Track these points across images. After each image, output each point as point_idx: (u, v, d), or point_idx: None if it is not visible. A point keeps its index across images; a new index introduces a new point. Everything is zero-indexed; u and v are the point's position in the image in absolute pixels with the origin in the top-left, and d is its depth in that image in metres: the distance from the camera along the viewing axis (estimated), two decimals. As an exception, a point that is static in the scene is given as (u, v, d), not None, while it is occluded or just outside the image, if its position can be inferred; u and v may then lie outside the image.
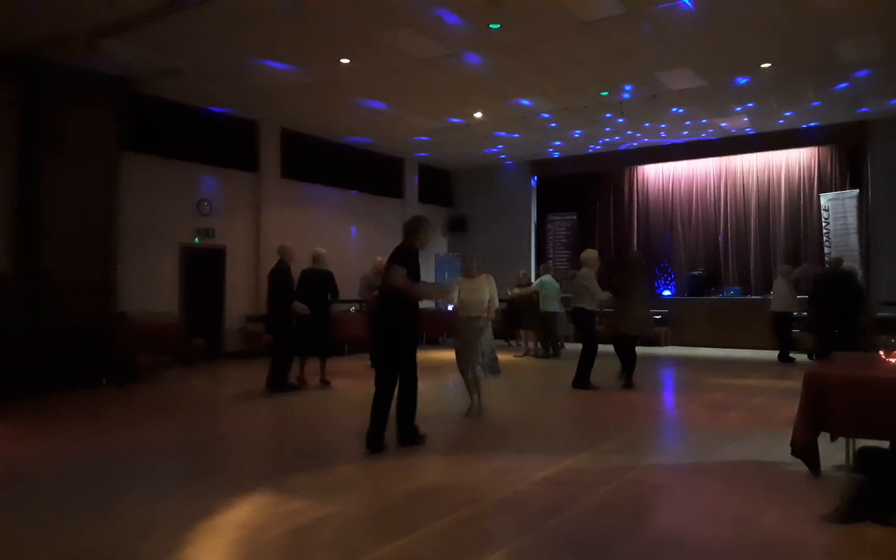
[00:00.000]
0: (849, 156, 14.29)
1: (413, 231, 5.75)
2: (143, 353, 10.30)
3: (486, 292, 6.77)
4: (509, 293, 13.17)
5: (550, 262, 15.64)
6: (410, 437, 5.65)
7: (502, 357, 7.66)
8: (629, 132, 14.32)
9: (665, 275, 16.10)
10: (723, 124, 13.70)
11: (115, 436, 6.38)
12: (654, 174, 16.81)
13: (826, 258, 13.03)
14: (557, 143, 15.30)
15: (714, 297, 14.96)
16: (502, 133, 14.34)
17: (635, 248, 15.10)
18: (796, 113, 12.88)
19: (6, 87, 9.32)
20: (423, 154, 16.66)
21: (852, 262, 13.21)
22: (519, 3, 7.92)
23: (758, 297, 14.18)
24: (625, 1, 7.93)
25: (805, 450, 4.31)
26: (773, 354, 12.20)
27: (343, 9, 8.04)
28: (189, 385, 9.81)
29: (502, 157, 16.81)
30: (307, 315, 8.76)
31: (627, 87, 11.24)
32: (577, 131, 14.19)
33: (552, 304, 12.52)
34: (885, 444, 4.23)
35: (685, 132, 14.40)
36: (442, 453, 5.59)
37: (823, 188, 14.49)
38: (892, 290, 12.92)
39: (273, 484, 4.64)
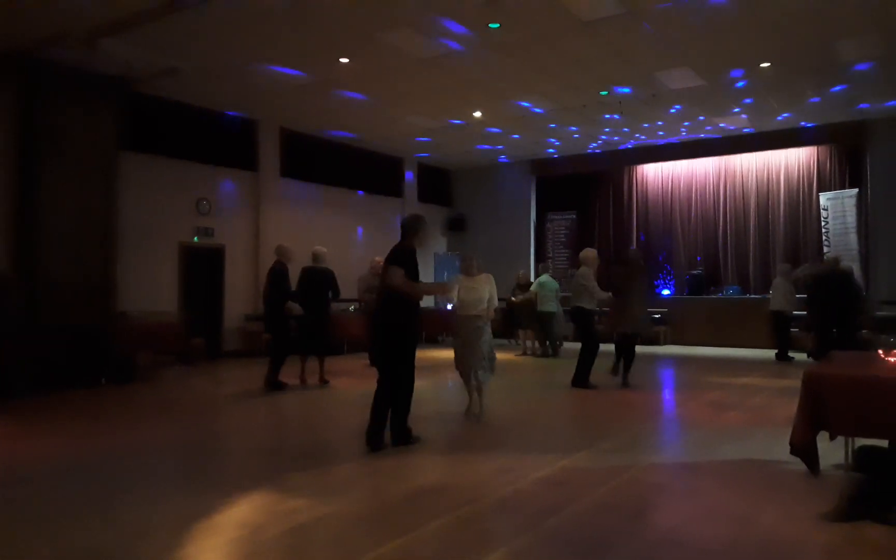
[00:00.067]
0: (848, 155, 14.30)
1: (413, 231, 5.75)
2: (143, 352, 10.29)
3: (486, 291, 6.73)
4: (513, 299, 13.18)
5: (549, 261, 15.66)
6: (403, 437, 5.64)
7: (502, 356, 7.66)
8: (628, 132, 14.32)
9: (665, 274, 16.09)
10: (722, 124, 13.70)
11: (115, 435, 6.38)
12: (654, 173, 16.82)
13: (824, 257, 13.02)
14: (557, 142, 15.30)
15: (713, 297, 14.97)
16: (502, 132, 14.34)
17: (634, 247, 15.08)
18: (796, 112, 12.88)
19: (5, 87, 9.31)
20: (422, 154, 16.66)
21: (851, 261, 13.21)
22: (518, 2, 7.92)
23: (757, 296, 14.19)
24: (624, 1, 7.93)
25: (804, 449, 4.32)
26: (773, 353, 12.20)
27: (343, 8, 8.04)
28: (188, 384, 9.81)
29: (502, 156, 16.81)
30: (309, 314, 8.78)
31: (626, 90, 11.24)
32: (577, 131, 14.19)
33: (549, 305, 12.54)
34: (884, 443, 4.23)
35: (684, 132, 14.40)
36: (441, 453, 5.60)
37: (823, 187, 14.50)
38: (892, 290, 12.93)
39: (272, 483, 4.64)
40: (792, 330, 12.11)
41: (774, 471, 4.94)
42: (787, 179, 15.12)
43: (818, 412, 4.20)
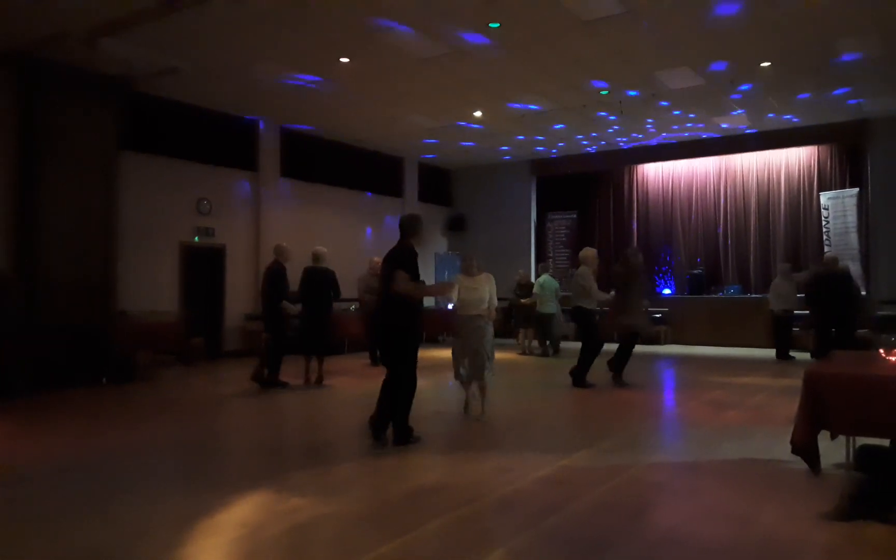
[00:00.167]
0: (848, 154, 14.30)
1: (412, 231, 5.78)
2: (143, 351, 10.29)
3: (486, 291, 6.71)
4: (522, 302, 13.17)
5: (550, 261, 15.66)
6: (404, 437, 5.65)
7: (502, 356, 7.66)
8: (629, 131, 14.31)
9: (665, 275, 16.08)
10: (722, 123, 13.69)
11: (115, 435, 6.38)
12: (654, 173, 16.81)
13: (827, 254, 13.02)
14: (557, 141, 15.29)
15: (714, 296, 14.97)
16: (502, 132, 14.33)
17: (634, 246, 15.07)
18: (796, 112, 12.87)
19: (5, 87, 9.32)
20: (422, 153, 16.66)
21: (852, 260, 13.22)
22: (518, 2, 7.91)
23: (757, 296, 14.18)
24: (624, 0, 7.92)
25: (805, 448, 4.31)
26: (773, 353, 12.20)
27: (343, 8, 8.03)
28: (188, 384, 9.81)
29: (502, 155, 16.80)
30: (310, 314, 8.80)
31: (633, 93, 11.25)
32: (577, 130, 14.18)
33: (549, 305, 12.56)
34: (885, 443, 4.22)
35: (685, 131, 14.39)
36: (441, 452, 5.59)
37: (823, 187, 14.49)
38: (892, 289, 12.92)
39: (272, 482, 4.64)
40: (794, 329, 12.12)
41: (775, 470, 4.93)
42: (788, 179, 15.12)
43: (819, 411, 4.19)
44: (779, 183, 15.21)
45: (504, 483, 4.57)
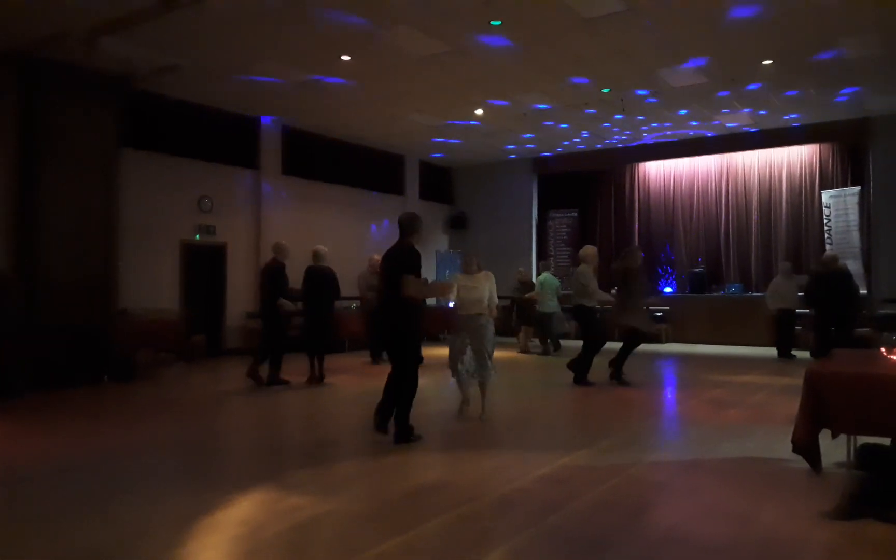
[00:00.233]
0: (850, 152, 14.29)
1: (412, 229, 5.81)
2: (144, 350, 10.30)
3: (486, 290, 6.64)
4: (526, 296, 13.15)
5: (551, 259, 15.65)
6: (405, 435, 5.65)
7: (502, 354, 7.65)
8: (630, 129, 14.30)
9: (666, 273, 16.07)
10: (724, 121, 13.67)
11: (115, 434, 6.38)
12: (656, 171, 16.80)
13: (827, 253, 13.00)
14: (558, 139, 15.28)
15: (715, 294, 14.96)
16: (503, 130, 14.32)
17: (636, 244, 15.06)
18: (797, 110, 12.85)
19: (6, 86, 9.30)
20: (423, 151, 16.64)
21: (854, 259, 13.21)
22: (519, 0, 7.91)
23: (759, 295, 14.16)
24: (625, -3, 7.92)
25: (806, 447, 4.31)
26: (774, 351, 12.20)
27: (344, 6, 8.03)
28: (189, 382, 9.81)
29: (503, 153, 16.79)
30: (313, 312, 8.81)
31: (638, 93, 11.23)
32: (578, 128, 14.16)
33: (549, 304, 12.55)
34: (886, 441, 4.22)
35: (686, 129, 14.37)
36: (442, 450, 5.59)
37: (825, 185, 14.48)
38: (893, 287, 12.90)
39: (273, 481, 4.64)
40: (796, 328, 12.12)
41: (776, 469, 4.93)
42: (790, 177, 15.10)
43: (820, 410, 4.19)
44: (780, 181, 15.20)
45: (504, 482, 4.57)
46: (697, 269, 15.45)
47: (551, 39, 9.15)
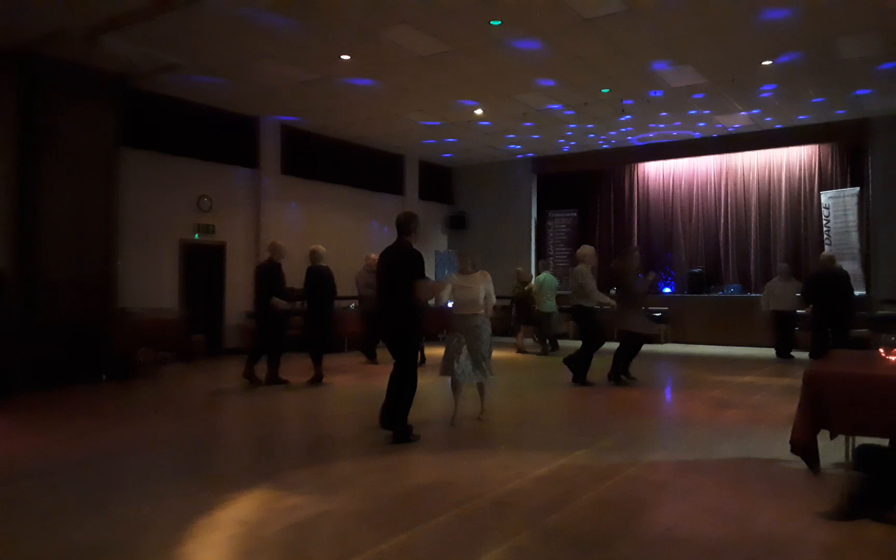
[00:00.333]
0: (849, 153, 14.28)
1: (409, 228, 5.85)
2: (143, 349, 10.28)
3: (481, 290, 6.49)
4: (526, 288, 13.14)
5: (550, 259, 15.65)
6: (403, 435, 5.66)
7: (500, 354, 7.63)
8: (630, 129, 14.29)
9: (665, 273, 16.07)
10: (723, 122, 13.67)
11: (115, 432, 6.39)
12: (655, 171, 16.80)
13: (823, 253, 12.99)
14: (558, 139, 15.27)
15: (714, 295, 14.96)
16: (502, 130, 14.32)
17: (634, 245, 15.08)
18: (797, 110, 12.85)
19: (5, 84, 9.30)
20: (423, 151, 16.64)
21: (852, 259, 13.21)
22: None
23: (758, 295, 14.15)
24: (625, -2, 7.92)
25: (804, 447, 4.31)
26: (773, 352, 12.21)
27: (344, 5, 8.02)
28: (188, 381, 9.81)
29: (503, 153, 16.78)
30: (316, 312, 8.82)
31: (637, 93, 11.23)
32: (578, 128, 14.16)
33: (549, 304, 12.56)
34: (885, 442, 4.22)
35: (686, 129, 14.37)
36: (441, 450, 5.59)
37: (824, 186, 14.47)
38: (893, 288, 12.91)
39: (272, 480, 4.65)
40: (796, 328, 12.14)
41: (775, 469, 4.94)
42: (789, 178, 15.10)
43: (819, 411, 4.19)
44: (779, 182, 15.19)
45: (503, 481, 4.57)
46: (696, 269, 15.45)
47: (551, 38, 9.15)
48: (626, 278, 8.96)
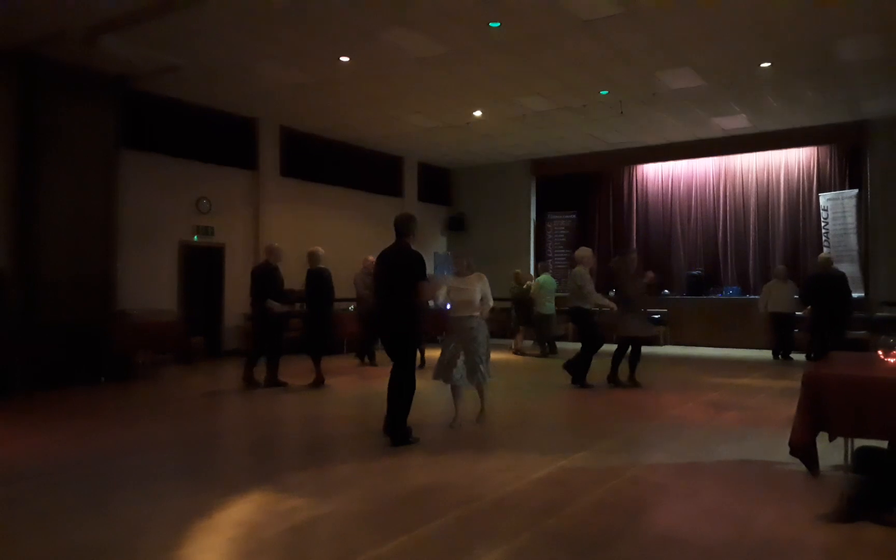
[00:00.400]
0: (848, 155, 14.30)
1: (407, 230, 5.84)
2: (142, 351, 10.28)
3: (477, 291, 6.41)
4: (525, 287, 13.15)
5: (549, 261, 15.65)
6: (402, 437, 5.66)
7: (497, 356, 7.61)
8: (629, 131, 14.30)
9: (663, 275, 16.05)
10: (722, 124, 13.69)
11: (114, 434, 6.38)
12: (654, 173, 16.81)
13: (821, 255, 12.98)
14: (557, 141, 15.28)
15: (713, 297, 14.97)
16: (501, 132, 14.32)
17: (634, 248, 15.08)
18: (795, 112, 12.87)
19: (5, 85, 9.31)
20: (422, 153, 16.65)
21: (850, 261, 13.23)
22: (518, 1, 7.91)
23: (756, 297, 14.17)
24: (623, 0, 7.92)
25: (803, 449, 4.31)
26: (771, 354, 12.23)
27: (344, 7, 8.03)
28: (187, 383, 9.80)
29: (502, 155, 16.79)
30: (316, 315, 8.81)
31: (637, 95, 11.24)
32: (577, 130, 14.17)
33: (548, 306, 12.55)
34: (884, 444, 4.22)
35: (685, 131, 14.38)
36: (439, 452, 5.58)
37: (822, 188, 14.49)
38: (891, 290, 12.92)
39: (271, 482, 4.64)
40: (795, 330, 12.16)
41: (774, 471, 4.94)
42: (787, 180, 15.12)
43: (818, 413, 4.19)
44: (778, 184, 15.21)
45: (503, 484, 4.57)
46: (695, 271, 15.46)
47: (550, 41, 9.16)
48: (623, 281, 8.96)
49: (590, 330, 8.77)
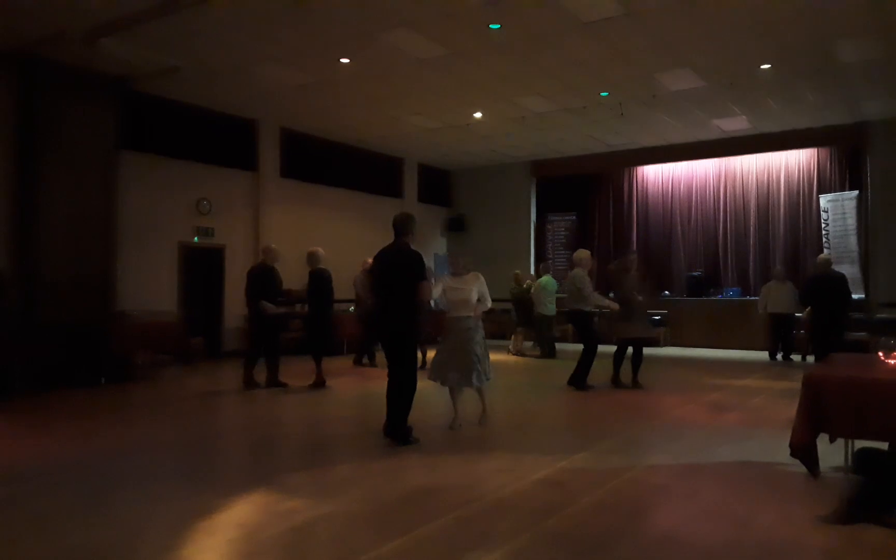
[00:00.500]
0: (848, 157, 14.31)
1: (406, 229, 5.84)
2: (142, 351, 10.28)
3: (474, 291, 6.35)
4: (524, 285, 13.15)
5: (549, 262, 15.65)
6: (403, 438, 5.65)
7: (496, 357, 7.59)
8: (629, 132, 14.31)
9: (664, 276, 16.05)
10: (722, 125, 13.69)
11: (113, 434, 6.38)
12: (654, 175, 16.81)
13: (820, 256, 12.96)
14: (557, 143, 15.29)
15: (713, 298, 14.97)
16: (502, 133, 14.33)
17: (634, 250, 15.07)
18: (796, 114, 12.87)
19: (5, 85, 9.31)
20: (422, 154, 16.65)
21: (851, 263, 13.22)
22: (519, 3, 7.92)
23: (757, 298, 14.17)
24: (624, 1, 7.93)
25: (804, 450, 4.31)
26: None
27: (344, 8, 8.03)
28: (187, 384, 9.79)
29: (502, 156, 16.79)
30: (317, 315, 8.81)
31: (637, 97, 11.25)
32: (577, 131, 14.17)
33: (549, 307, 12.55)
34: (884, 446, 4.22)
35: (685, 133, 14.38)
36: (440, 453, 5.58)
37: (823, 189, 14.49)
38: (891, 292, 12.92)
39: (270, 483, 4.64)
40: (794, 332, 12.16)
41: (774, 472, 4.93)
42: (788, 181, 15.12)
43: (818, 414, 4.19)
44: (778, 185, 15.21)
45: (503, 484, 4.57)
46: (696, 273, 15.46)
47: (550, 42, 9.16)
48: (622, 282, 8.95)
49: (589, 332, 8.77)
